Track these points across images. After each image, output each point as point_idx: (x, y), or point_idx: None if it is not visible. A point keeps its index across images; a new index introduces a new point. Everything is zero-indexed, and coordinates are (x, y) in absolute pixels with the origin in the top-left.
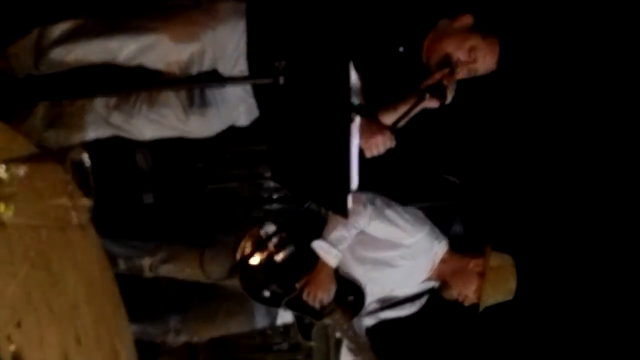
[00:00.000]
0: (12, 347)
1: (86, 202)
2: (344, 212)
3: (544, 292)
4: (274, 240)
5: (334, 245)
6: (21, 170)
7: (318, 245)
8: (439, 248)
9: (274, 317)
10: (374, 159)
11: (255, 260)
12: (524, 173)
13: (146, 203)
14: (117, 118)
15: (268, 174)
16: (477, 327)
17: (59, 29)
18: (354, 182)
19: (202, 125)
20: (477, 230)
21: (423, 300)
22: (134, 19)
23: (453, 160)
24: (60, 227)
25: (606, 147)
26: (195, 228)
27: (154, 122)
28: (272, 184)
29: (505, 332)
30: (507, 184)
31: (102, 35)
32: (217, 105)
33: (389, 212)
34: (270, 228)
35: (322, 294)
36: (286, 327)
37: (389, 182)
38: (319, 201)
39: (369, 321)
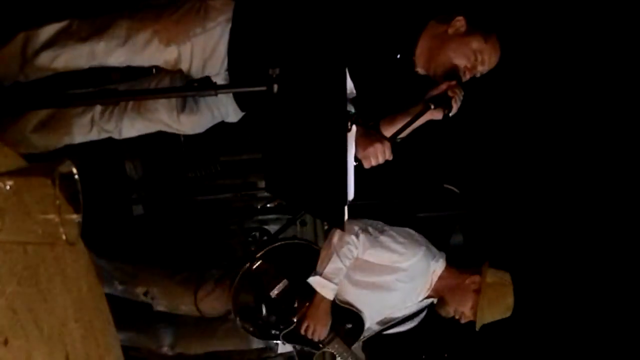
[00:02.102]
0: None
1: (75, 217)
2: (340, 224)
3: (542, 304)
4: (267, 276)
5: (329, 279)
6: (7, 185)
7: (314, 281)
8: (436, 266)
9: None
10: (374, 169)
11: (250, 298)
12: (524, 182)
13: (136, 215)
14: (106, 122)
15: (261, 184)
16: (475, 344)
17: (44, 33)
18: (350, 192)
19: (193, 124)
20: (476, 242)
21: (422, 315)
22: (121, 20)
23: (453, 169)
24: (48, 242)
25: (608, 155)
26: (186, 255)
27: (145, 120)
28: (265, 193)
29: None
30: (507, 193)
31: (89, 38)
32: (208, 103)
33: (383, 238)
34: (262, 264)
35: (320, 328)
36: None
37: (389, 193)
38: (314, 213)
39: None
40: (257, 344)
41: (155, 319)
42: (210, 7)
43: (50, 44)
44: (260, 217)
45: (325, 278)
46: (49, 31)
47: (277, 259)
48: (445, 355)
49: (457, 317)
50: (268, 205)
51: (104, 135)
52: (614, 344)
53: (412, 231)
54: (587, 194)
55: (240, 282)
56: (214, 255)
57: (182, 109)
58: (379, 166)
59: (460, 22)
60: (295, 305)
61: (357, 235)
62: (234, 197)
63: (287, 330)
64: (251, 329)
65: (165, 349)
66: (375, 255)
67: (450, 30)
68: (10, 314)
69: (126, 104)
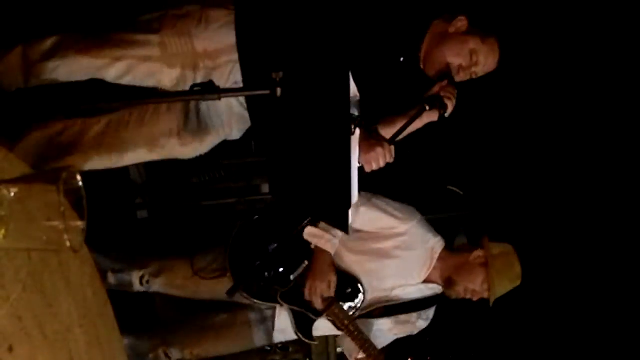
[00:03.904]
0: None
1: (79, 224)
2: (345, 227)
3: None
4: (264, 233)
5: (326, 230)
6: (12, 192)
7: (310, 233)
8: (435, 243)
9: (272, 335)
10: (377, 171)
11: (246, 255)
12: (529, 183)
13: (140, 218)
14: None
15: (265, 188)
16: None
17: (46, 44)
18: (354, 196)
19: (198, 149)
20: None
21: (430, 313)
22: (122, 32)
23: (457, 171)
24: (52, 249)
25: (611, 156)
26: (186, 240)
27: (151, 151)
28: (269, 197)
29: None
30: (512, 194)
31: (89, 51)
32: (212, 124)
33: (376, 200)
34: (258, 220)
35: (322, 285)
36: (285, 344)
37: (392, 195)
38: (318, 216)
39: (379, 335)
40: (258, 341)
41: (153, 318)
42: (211, 17)
43: (50, 55)
44: None
45: (321, 229)
46: (49, 43)
47: (274, 217)
48: (450, 357)
49: (468, 296)
50: None
51: None
52: (616, 345)
53: (407, 205)
54: (591, 195)
55: (237, 239)
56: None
57: (189, 141)
58: (382, 168)
59: (462, 22)
60: (294, 265)
61: None
62: (238, 202)
63: (285, 289)
64: (248, 288)
65: (162, 352)
66: (369, 218)
67: (451, 29)
68: (15, 321)
69: (130, 132)
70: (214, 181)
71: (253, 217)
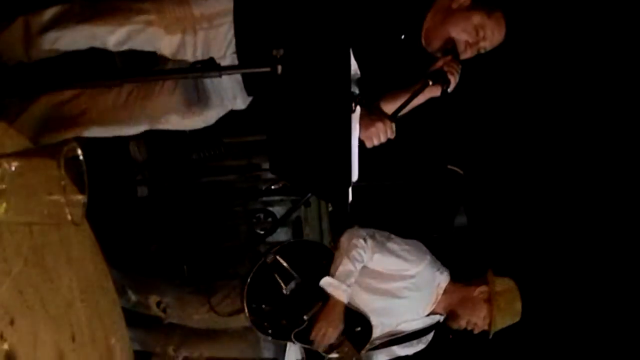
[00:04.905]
0: (5, 346)
1: (80, 197)
2: (344, 204)
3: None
4: (279, 273)
5: (342, 280)
6: (13, 166)
7: (327, 283)
8: (441, 279)
9: (280, 351)
10: (377, 150)
11: (261, 295)
12: (529, 163)
13: (140, 196)
14: (114, 123)
15: (265, 165)
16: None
17: (46, 15)
18: (355, 173)
19: (202, 121)
20: (479, 229)
21: (429, 336)
22: (122, 1)
23: (457, 151)
24: (53, 223)
25: (610, 131)
26: (199, 267)
27: (153, 124)
28: (269, 175)
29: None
30: (512, 174)
31: (90, 19)
32: (215, 98)
33: (390, 245)
34: (275, 261)
35: (332, 332)
36: None
37: (393, 174)
38: (319, 194)
39: (379, 358)
40: (267, 352)
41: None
42: None
43: (52, 25)
44: (264, 199)
45: (338, 279)
46: (50, 13)
47: (289, 257)
48: (450, 336)
49: (469, 328)
50: (272, 187)
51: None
52: (612, 342)
53: (418, 242)
54: (588, 179)
55: (253, 279)
56: (219, 240)
57: (193, 112)
58: (382, 147)
59: None
60: (307, 304)
61: (365, 240)
62: (238, 179)
63: (298, 329)
64: (263, 326)
65: (171, 349)
66: (383, 262)
67: (454, 5)
68: (16, 294)
69: (133, 110)
70: (215, 158)
71: (269, 257)
